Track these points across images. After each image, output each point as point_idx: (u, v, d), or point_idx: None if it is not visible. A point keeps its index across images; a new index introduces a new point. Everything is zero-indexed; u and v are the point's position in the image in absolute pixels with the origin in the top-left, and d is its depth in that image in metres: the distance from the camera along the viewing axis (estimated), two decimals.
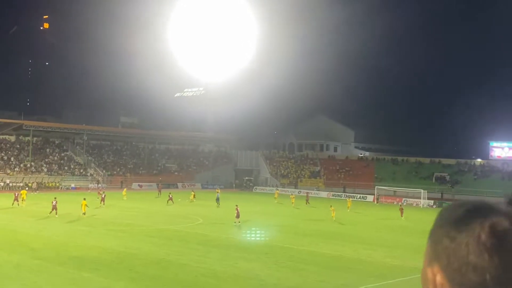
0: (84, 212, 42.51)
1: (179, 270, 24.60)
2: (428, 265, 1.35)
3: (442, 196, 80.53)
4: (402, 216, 50.85)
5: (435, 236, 1.34)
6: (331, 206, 48.52)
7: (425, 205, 72.52)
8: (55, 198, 43.78)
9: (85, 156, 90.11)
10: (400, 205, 56.67)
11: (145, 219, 43.15)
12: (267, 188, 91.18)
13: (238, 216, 40.93)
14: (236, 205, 42.20)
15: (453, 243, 1.27)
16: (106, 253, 28.08)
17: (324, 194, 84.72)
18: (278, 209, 56.71)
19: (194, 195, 62.77)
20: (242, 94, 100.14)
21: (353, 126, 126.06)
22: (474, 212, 1.27)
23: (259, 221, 43.89)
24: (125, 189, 64.92)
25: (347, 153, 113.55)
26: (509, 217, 1.25)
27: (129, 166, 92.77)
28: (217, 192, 61.42)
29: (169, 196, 57.82)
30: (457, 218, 1.28)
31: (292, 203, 60.49)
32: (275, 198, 67.40)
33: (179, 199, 60.40)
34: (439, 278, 1.30)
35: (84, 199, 44.08)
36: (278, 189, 79.75)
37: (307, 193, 72.77)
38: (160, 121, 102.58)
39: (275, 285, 21.65)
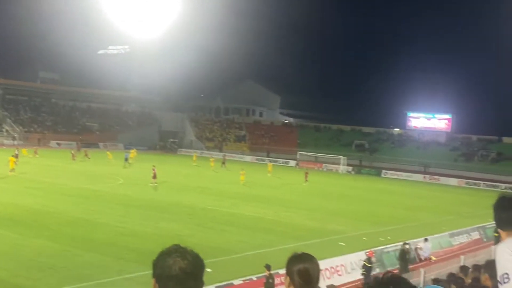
0: (12, 168, 40.93)
1: (98, 229, 24.24)
2: None
3: (360, 163, 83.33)
4: (306, 180, 51.09)
5: None
6: (242, 169, 48.48)
7: (344, 171, 74.85)
8: None
9: (0, 111, 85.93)
10: (306, 170, 56.81)
11: (63, 178, 41.97)
12: (192, 150, 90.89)
13: (154, 177, 40.63)
14: (153, 166, 41.90)
15: None
16: (22, 210, 27.23)
17: (248, 158, 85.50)
18: (198, 172, 56.64)
19: (110, 155, 61.75)
20: (169, 54, 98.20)
21: (280, 92, 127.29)
22: None
23: (180, 183, 43.84)
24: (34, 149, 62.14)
25: (272, 119, 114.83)
26: None
27: (48, 124, 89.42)
28: (130, 152, 61.03)
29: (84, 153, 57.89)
30: None
31: (212, 166, 60.49)
32: (193, 161, 67.08)
33: (89, 157, 59.67)
34: None
35: (13, 155, 42.90)
36: (196, 152, 79.37)
37: (224, 155, 73.66)
38: (82, 79, 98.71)
39: (197, 245, 21.42)
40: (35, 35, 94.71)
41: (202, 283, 2.64)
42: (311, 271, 3.45)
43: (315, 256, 3.68)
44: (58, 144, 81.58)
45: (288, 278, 3.50)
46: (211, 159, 64.36)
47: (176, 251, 2.60)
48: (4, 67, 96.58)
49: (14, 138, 79.14)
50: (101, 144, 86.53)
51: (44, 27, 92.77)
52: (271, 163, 62.73)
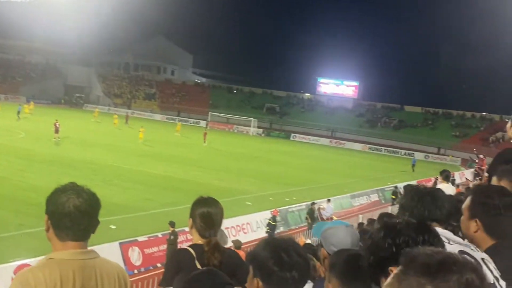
0: None
1: None
2: None
3: (271, 125, 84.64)
4: (205, 142, 49.87)
5: (396, 283, 1.26)
6: (141, 127, 47.37)
7: (254, 133, 75.74)
8: None
9: None
10: (204, 130, 55.20)
11: None
12: (99, 106, 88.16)
13: (57, 132, 39.19)
14: (56, 120, 40.38)
15: None
16: None
17: (158, 117, 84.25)
18: (103, 129, 55.04)
19: None
20: (77, 4, 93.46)
21: (193, 51, 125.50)
22: (450, 266, 1.22)
23: (85, 139, 42.52)
24: None
25: (184, 78, 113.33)
26: (479, 275, 1.23)
27: None
28: (24, 107, 58.56)
29: None
30: (432, 271, 1.22)
31: (115, 123, 58.68)
32: (94, 116, 64.83)
33: None
34: None
35: None
36: (98, 108, 76.52)
37: (127, 113, 72.23)
38: None
39: (101, 202, 21.25)
40: None
41: (97, 222, 2.58)
42: (213, 216, 3.44)
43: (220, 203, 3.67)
44: None
45: (191, 220, 3.47)
46: (114, 116, 62.35)
47: (72, 188, 2.56)
48: None
49: None
50: (2, 96, 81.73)
51: None
52: (180, 123, 61.93)
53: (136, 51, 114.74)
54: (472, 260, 1.45)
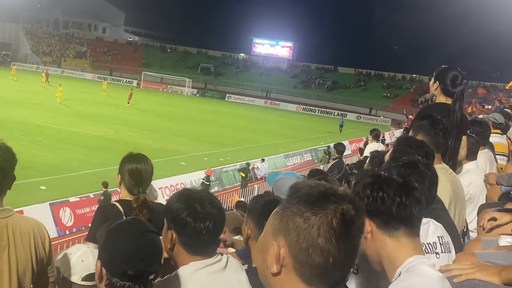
0: None
1: None
2: (272, 235, 1.34)
3: (205, 86, 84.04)
4: (128, 103, 47.22)
5: (287, 211, 1.32)
6: (60, 85, 44.92)
7: (189, 94, 75.05)
8: None
9: None
10: (131, 90, 50.54)
11: None
12: (27, 65, 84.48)
13: None
14: None
15: (306, 223, 1.28)
16: None
17: (89, 76, 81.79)
18: (26, 87, 52.76)
19: None
20: None
21: (124, 8, 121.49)
22: (328, 196, 1.29)
23: (10, 98, 40.81)
24: None
25: (116, 36, 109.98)
26: (356, 206, 1.31)
27: None
28: None
29: None
30: (313, 200, 1.29)
31: (42, 82, 55.78)
32: (12, 74, 60.11)
33: None
34: (283, 251, 1.30)
35: None
36: (15, 66, 72.48)
37: (47, 70, 69.41)
38: None
39: (30, 163, 20.60)
40: None
41: (12, 177, 2.54)
42: (143, 172, 3.45)
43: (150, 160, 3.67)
44: None
45: (119, 176, 3.48)
46: (42, 74, 59.40)
47: None
48: None
49: None
50: None
51: None
52: (105, 82, 59.33)
53: (66, 7, 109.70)
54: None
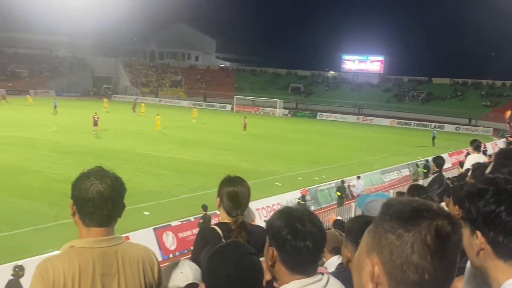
0: None
1: (31, 177, 23.67)
2: (366, 253, 1.35)
3: (296, 106, 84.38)
4: (244, 131, 46.72)
5: (379, 228, 1.33)
6: (157, 114, 46.29)
7: (280, 114, 75.63)
8: None
9: None
10: (245, 118, 49.38)
11: None
12: (127, 96, 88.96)
13: (95, 125, 39.73)
14: (95, 113, 40.81)
15: (399, 240, 1.27)
16: None
17: (184, 103, 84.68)
18: (133, 118, 55.64)
19: (30, 99, 60.28)
20: None
21: (215, 36, 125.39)
22: (421, 212, 1.28)
23: (115, 129, 43.08)
24: None
25: (209, 63, 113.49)
26: (451, 222, 1.29)
27: None
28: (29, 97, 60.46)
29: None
30: (405, 216, 1.29)
31: (142, 112, 58.35)
32: (105, 107, 61.11)
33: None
34: (377, 269, 1.30)
35: None
36: (106, 98, 77.12)
37: (136, 99, 72.10)
38: (7, 22, 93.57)
39: (133, 189, 21.64)
40: None
41: (122, 206, 2.62)
42: (240, 195, 3.54)
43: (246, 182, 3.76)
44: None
45: (218, 199, 3.60)
46: (142, 105, 61.99)
47: (96, 173, 2.57)
48: None
49: None
50: (31, 91, 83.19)
51: None
52: (195, 109, 60.13)
53: (160, 39, 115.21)
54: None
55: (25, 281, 10.96)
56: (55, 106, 54.18)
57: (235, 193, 3.53)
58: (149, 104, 67.40)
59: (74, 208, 2.56)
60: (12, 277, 11.10)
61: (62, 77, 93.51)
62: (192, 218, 17.17)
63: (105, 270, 2.48)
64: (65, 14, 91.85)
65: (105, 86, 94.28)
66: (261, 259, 2.27)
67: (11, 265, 11.53)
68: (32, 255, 12.83)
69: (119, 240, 2.59)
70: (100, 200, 2.48)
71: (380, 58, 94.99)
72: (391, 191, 22.57)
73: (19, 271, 11.08)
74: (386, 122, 71.43)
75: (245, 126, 47.29)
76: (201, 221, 16.03)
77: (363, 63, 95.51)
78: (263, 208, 19.43)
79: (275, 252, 2.17)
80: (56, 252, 2.69)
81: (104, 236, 2.53)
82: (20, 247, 14.90)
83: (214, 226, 3.57)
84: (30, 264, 11.38)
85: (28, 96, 63.14)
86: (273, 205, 20.38)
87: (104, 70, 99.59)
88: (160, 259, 14.85)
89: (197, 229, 16.25)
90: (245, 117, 49.86)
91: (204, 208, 16.26)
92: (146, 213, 18.75)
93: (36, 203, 19.58)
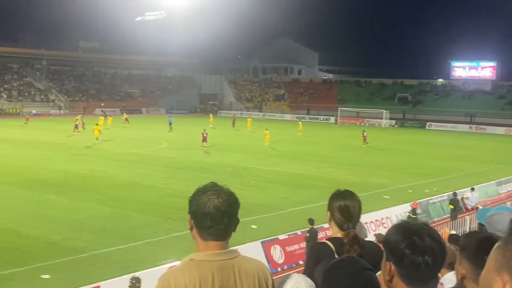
0: (96, 137, 42.97)
1: (145, 191, 24.83)
2: (495, 271, 1.32)
3: (404, 116, 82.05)
4: (364, 144, 45.57)
5: (510, 245, 1.31)
6: (266, 129, 46.35)
7: (387, 125, 73.96)
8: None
9: (46, 82, 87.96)
10: (364, 132, 47.83)
11: (108, 144, 42.86)
12: (232, 112, 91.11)
13: (205, 141, 40.96)
14: (204, 130, 42.07)
15: None
16: (71, 176, 28.04)
17: (288, 117, 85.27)
18: (237, 133, 56.77)
19: (126, 118, 62.33)
20: (204, 17, 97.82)
21: (317, 49, 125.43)
22: None
23: (222, 144, 44.15)
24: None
25: (311, 76, 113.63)
26: None
27: (91, 92, 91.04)
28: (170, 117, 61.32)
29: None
30: None
31: (248, 127, 59.39)
32: (210, 122, 62.16)
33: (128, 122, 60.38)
34: (509, 286, 1.27)
35: (97, 124, 45.47)
36: (212, 114, 78.34)
37: (234, 114, 73.09)
38: (121, 46, 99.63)
39: (241, 203, 22.02)
40: (73, 6, 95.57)
41: (236, 220, 2.69)
42: (351, 208, 3.48)
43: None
44: (103, 111, 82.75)
45: (329, 213, 3.55)
46: (248, 119, 63.07)
47: (212, 189, 2.66)
48: (46, 39, 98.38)
49: (60, 108, 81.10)
50: (143, 109, 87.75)
51: None
52: (300, 122, 60.35)
53: (263, 55, 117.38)
54: None
55: None
56: (170, 123, 56.57)
57: (346, 207, 3.49)
58: (253, 118, 68.55)
59: (192, 222, 2.66)
60: None
61: (171, 95, 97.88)
62: (299, 232, 17.13)
63: (223, 283, 2.56)
64: (173, 35, 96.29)
65: (211, 102, 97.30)
66: (377, 273, 2.21)
67: (128, 277, 12.08)
68: (148, 267, 13.41)
69: (234, 253, 2.68)
70: (217, 215, 2.57)
71: (492, 63, 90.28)
72: (508, 203, 21.25)
73: (136, 283, 11.57)
74: (501, 130, 67.54)
75: (365, 140, 45.96)
76: (307, 234, 15.94)
77: (474, 70, 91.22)
78: (371, 222, 19.00)
79: (393, 267, 2.13)
80: (176, 264, 2.78)
81: (221, 249, 2.62)
82: (136, 259, 15.62)
83: (326, 241, 3.53)
84: (146, 276, 11.88)
85: (124, 114, 66.10)
86: (382, 219, 19.89)
87: (210, 87, 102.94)
88: None
89: (304, 243, 16.25)
90: (363, 131, 48.54)
91: (311, 222, 16.16)
92: (253, 226, 18.96)
93: (150, 216, 20.47)
